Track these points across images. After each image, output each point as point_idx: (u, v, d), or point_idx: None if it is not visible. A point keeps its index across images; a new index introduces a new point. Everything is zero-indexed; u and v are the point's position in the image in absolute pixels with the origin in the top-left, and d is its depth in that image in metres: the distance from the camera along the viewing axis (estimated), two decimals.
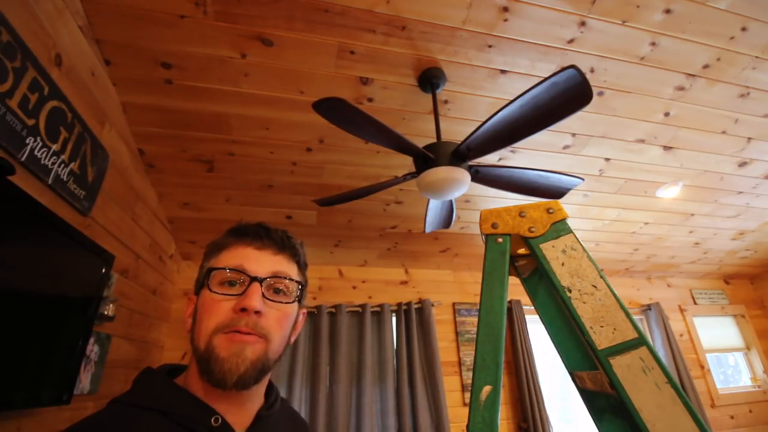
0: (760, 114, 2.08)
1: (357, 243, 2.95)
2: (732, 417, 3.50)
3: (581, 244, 0.66)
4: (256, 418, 0.60)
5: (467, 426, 0.58)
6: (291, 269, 0.63)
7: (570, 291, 0.62)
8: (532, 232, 0.68)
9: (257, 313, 0.56)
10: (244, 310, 0.55)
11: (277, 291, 0.60)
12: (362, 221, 2.69)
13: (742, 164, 2.45)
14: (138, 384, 0.58)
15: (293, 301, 0.62)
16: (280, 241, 0.63)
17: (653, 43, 1.65)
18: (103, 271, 1.53)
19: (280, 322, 0.59)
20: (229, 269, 0.58)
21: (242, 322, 0.55)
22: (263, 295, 0.57)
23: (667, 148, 2.26)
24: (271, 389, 0.66)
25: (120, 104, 1.72)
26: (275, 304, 0.59)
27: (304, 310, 0.70)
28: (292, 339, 0.64)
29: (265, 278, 0.58)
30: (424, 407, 2.74)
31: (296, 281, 0.63)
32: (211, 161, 2.06)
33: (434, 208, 1.93)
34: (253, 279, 0.57)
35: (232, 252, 0.60)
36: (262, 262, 0.60)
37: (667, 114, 2.02)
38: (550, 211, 0.69)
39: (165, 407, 0.53)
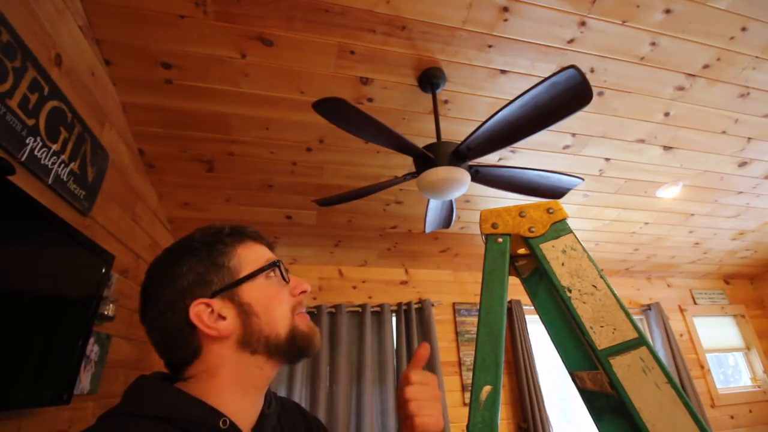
0: (760, 114, 2.08)
1: (357, 243, 2.95)
2: (732, 417, 3.50)
3: (581, 244, 0.66)
4: (260, 417, 0.60)
5: (467, 426, 0.58)
6: None
7: (570, 291, 0.62)
8: (532, 232, 0.68)
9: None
10: (303, 292, 0.63)
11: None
12: (362, 221, 2.69)
13: (742, 164, 2.45)
14: (133, 393, 0.54)
15: None
16: (259, 236, 0.67)
17: (653, 43, 1.65)
18: (103, 271, 1.53)
19: None
20: (278, 262, 0.63)
21: (304, 302, 0.64)
22: None
23: (667, 148, 2.26)
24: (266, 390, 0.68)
25: (120, 104, 1.72)
26: None
27: None
28: None
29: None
30: None
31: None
32: (211, 161, 2.06)
33: (434, 208, 1.93)
34: (282, 266, 0.63)
35: (250, 248, 0.63)
36: (270, 252, 0.65)
37: (667, 114, 2.02)
38: (550, 211, 0.69)
39: (167, 413, 0.50)
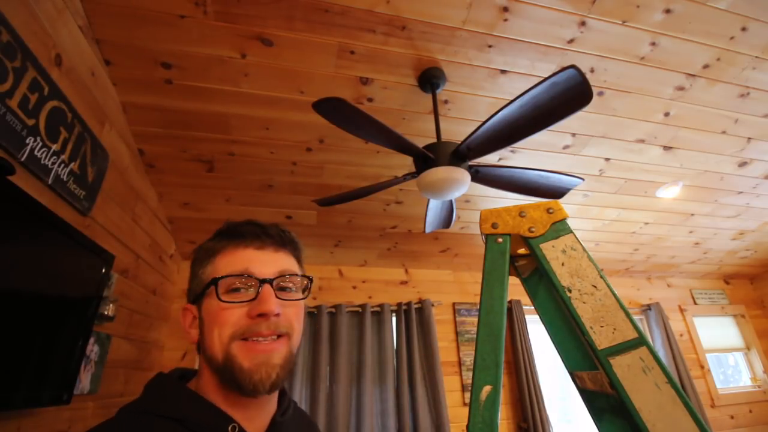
0: (760, 114, 2.08)
1: (357, 243, 2.95)
2: (732, 417, 3.50)
3: (581, 244, 0.66)
4: (271, 423, 0.59)
5: (467, 426, 0.58)
6: (293, 264, 0.62)
7: (570, 291, 0.62)
8: (532, 232, 0.68)
9: (276, 315, 0.55)
10: (261, 315, 0.53)
11: (285, 289, 0.59)
12: (362, 221, 2.69)
13: (742, 164, 2.45)
14: (150, 390, 0.55)
15: (303, 297, 0.61)
16: (279, 238, 0.60)
17: (653, 43, 1.65)
18: (103, 271, 1.53)
19: (298, 315, 0.59)
20: (235, 276, 0.55)
21: (262, 327, 0.54)
22: (276, 296, 0.56)
23: (667, 148, 2.26)
24: (283, 394, 0.65)
25: (120, 104, 1.72)
26: (288, 302, 0.58)
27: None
28: None
29: (274, 279, 0.56)
30: (424, 407, 2.74)
31: (302, 276, 0.62)
32: (211, 161, 2.06)
33: (434, 208, 1.93)
34: (263, 281, 0.55)
35: (230, 256, 0.58)
36: (266, 262, 0.58)
37: (667, 114, 2.02)
38: (550, 211, 0.69)
39: (180, 414, 0.51)
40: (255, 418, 0.57)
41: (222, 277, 0.55)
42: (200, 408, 0.53)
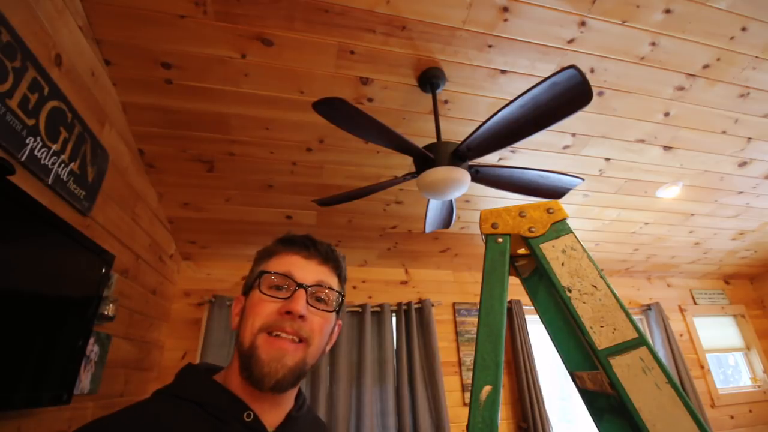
0: (760, 114, 2.08)
1: (357, 243, 2.95)
2: (732, 417, 3.50)
3: (581, 244, 0.66)
4: (287, 417, 0.63)
5: (467, 426, 0.58)
6: (333, 280, 0.67)
7: (570, 291, 0.62)
8: (532, 232, 0.68)
9: (301, 317, 0.60)
10: (289, 313, 0.59)
11: (319, 299, 0.64)
12: (362, 221, 2.69)
13: (742, 164, 2.45)
14: (180, 378, 0.63)
15: (333, 310, 0.66)
16: (325, 253, 0.67)
17: (653, 43, 1.65)
18: (103, 271, 1.53)
19: (321, 327, 0.64)
20: (278, 274, 0.62)
21: (287, 324, 0.59)
22: (307, 302, 0.61)
23: (667, 148, 2.26)
24: (299, 393, 0.70)
25: (120, 104, 1.72)
26: (317, 311, 0.63)
27: (340, 322, 0.74)
28: (328, 348, 0.68)
29: (310, 286, 0.63)
30: (424, 407, 2.74)
31: (337, 291, 0.67)
32: (211, 161, 2.06)
33: (434, 208, 1.93)
34: (299, 285, 0.62)
35: (281, 259, 0.65)
36: (308, 270, 0.64)
37: (667, 114, 2.02)
38: (550, 211, 0.69)
39: (202, 399, 0.57)
40: (271, 411, 0.61)
41: (268, 272, 0.63)
42: (220, 395, 0.59)
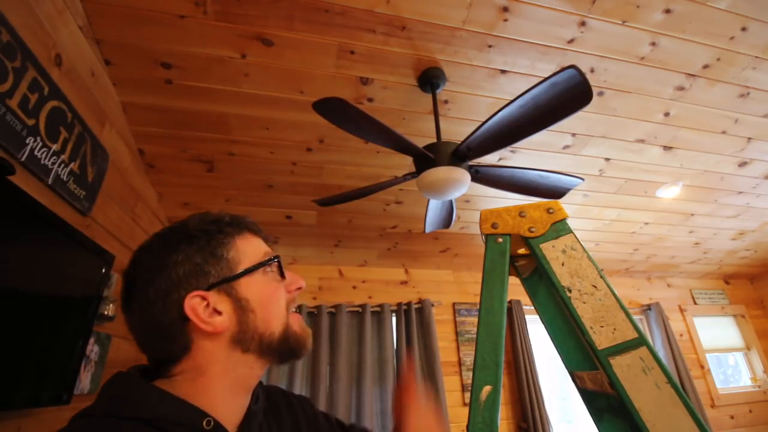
0: (760, 114, 2.08)
1: (357, 243, 2.95)
2: (732, 417, 3.50)
3: (581, 244, 0.66)
4: (247, 413, 0.57)
5: (467, 426, 0.58)
6: None
7: (570, 291, 0.62)
8: (532, 232, 0.68)
9: None
10: (299, 288, 0.61)
11: None
12: (362, 221, 2.69)
13: (742, 164, 2.45)
14: (111, 391, 0.49)
15: None
16: (257, 228, 0.64)
17: (653, 43, 1.65)
18: (103, 271, 1.53)
19: None
20: (278, 257, 0.60)
21: (297, 301, 0.62)
22: None
23: (667, 148, 2.26)
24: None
25: (120, 104, 1.72)
26: None
27: None
28: None
29: None
30: None
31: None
32: (211, 161, 2.06)
33: (434, 208, 1.93)
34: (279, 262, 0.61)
35: (250, 239, 0.60)
36: (266, 245, 0.63)
37: (667, 114, 2.02)
38: (550, 211, 0.69)
39: (147, 414, 0.46)
40: (236, 410, 0.55)
41: (272, 259, 0.59)
42: (171, 405, 0.48)
